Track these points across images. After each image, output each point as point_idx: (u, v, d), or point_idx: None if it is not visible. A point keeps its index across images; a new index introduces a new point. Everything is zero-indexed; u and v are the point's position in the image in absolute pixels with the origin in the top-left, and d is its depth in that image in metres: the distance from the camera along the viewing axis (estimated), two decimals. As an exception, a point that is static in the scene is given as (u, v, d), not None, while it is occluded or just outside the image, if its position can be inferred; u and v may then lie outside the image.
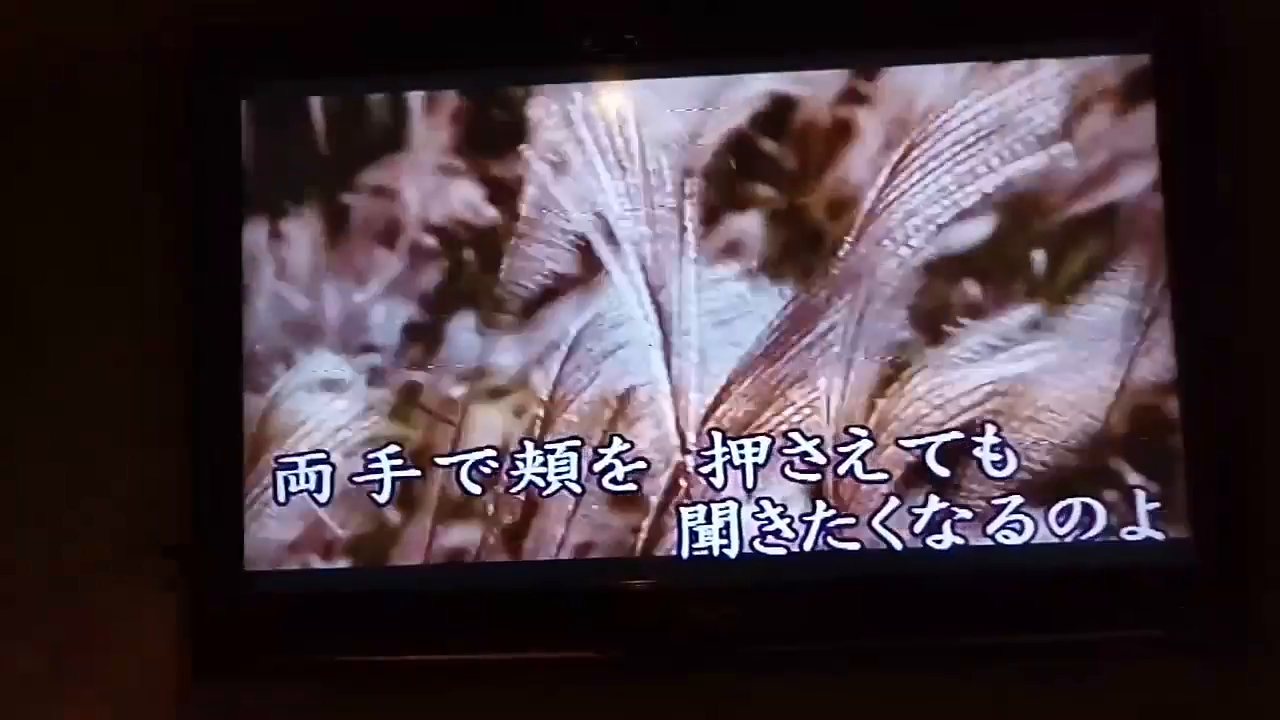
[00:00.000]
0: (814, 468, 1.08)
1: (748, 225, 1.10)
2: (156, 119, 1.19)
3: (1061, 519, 1.08)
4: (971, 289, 1.09)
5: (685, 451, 1.09)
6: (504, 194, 1.10)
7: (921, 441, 1.08)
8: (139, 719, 1.15)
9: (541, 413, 1.09)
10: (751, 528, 1.08)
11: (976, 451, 1.08)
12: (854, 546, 1.08)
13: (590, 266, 1.10)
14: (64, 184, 1.21)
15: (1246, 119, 1.13)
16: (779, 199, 1.10)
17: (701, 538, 1.08)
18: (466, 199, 1.11)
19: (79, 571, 1.16)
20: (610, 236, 1.10)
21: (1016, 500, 1.08)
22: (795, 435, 1.08)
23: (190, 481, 1.10)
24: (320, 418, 1.10)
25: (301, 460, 1.09)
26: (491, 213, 1.10)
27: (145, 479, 1.15)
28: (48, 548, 1.16)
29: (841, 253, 1.09)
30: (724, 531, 1.08)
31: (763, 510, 1.08)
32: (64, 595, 1.16)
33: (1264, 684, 1.11)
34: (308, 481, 1.09)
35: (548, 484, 1.09)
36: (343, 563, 1.09)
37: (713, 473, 1.09)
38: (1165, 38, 1.12)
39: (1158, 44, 1.12)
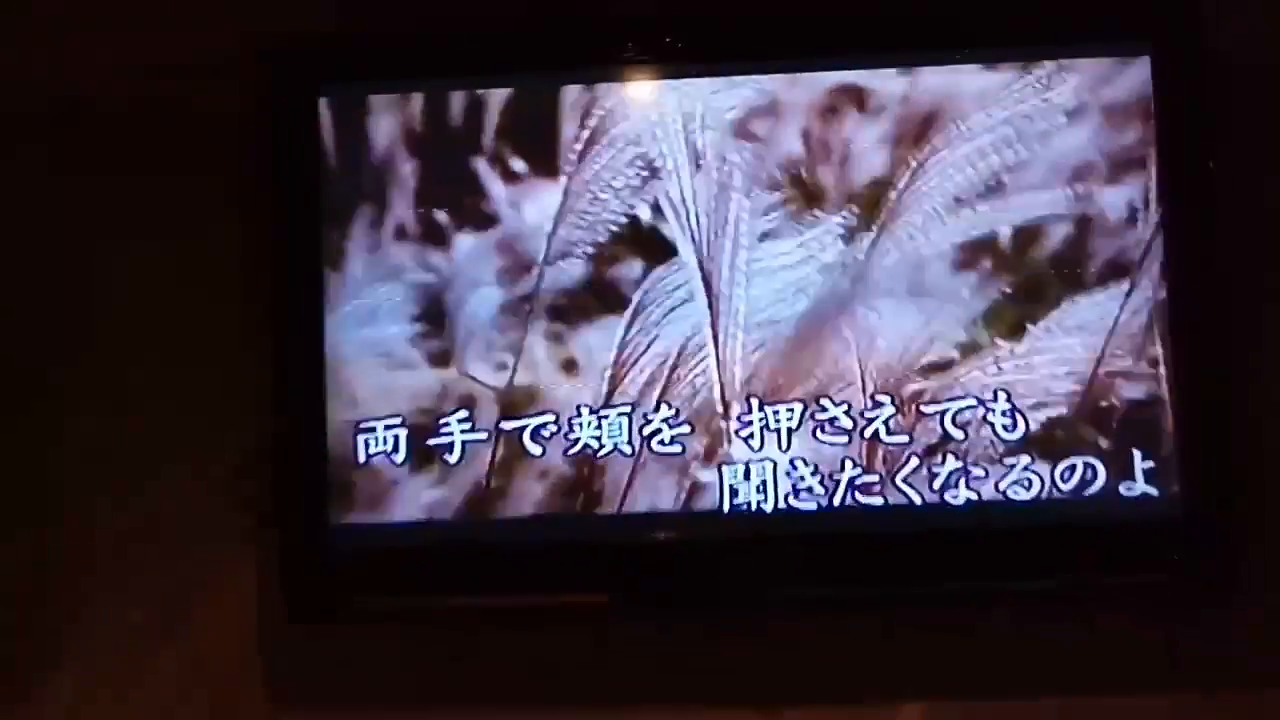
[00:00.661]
0: (843, 431, 1.20)
1: (788, 213, 1.21)
2: (221, 123, 1.29)
3: (1065, 475, 1.20)
4: (982, 275, 1.20)
5: (726, 416, 1.20)
6: (558, 186, 1.22)
7: (940, 408, 1.20)
8: (235, 662, 1.27)
9: (594, 381, 1.21)
10: (785, 485, 1.20)
11: (989, 416, 1.20)
12: (878, 502, 1.20)
13: (643, 251, 1.21)
14: (139, 186, 1.31)
15: (1246, 120, 1.24)
16: (815, 189, 1.21)
17: (740, 494, 1.20)
18: (520, 190, 1.22)
19: (176, 535, 1.27)
20: (664, 222, 1.21)
21: (1025, 459, 1.20)
22: (825, 401, 1.20)
23: (281, 451, 1.21)
24: (398, 388, 1.21)
25: (380, 425, 1.21)
26: (549, 201, 1.22)
27: (234, 452, 1.27)
28: (148, 516, 1.27)
29: (867, 241, 1.21)
30: (760, 488, 1.20)
31: (796, 469, 1.20)
32: (163, 557, 1.27)
33: (1245, 626, 1.23)
34: (385, 444, 1.21)
35: (602, 445, 1.20)
36: (417, 517, 1.21)
37: (750, 435, 1.21)
38: (1165, 39, 1.21)
39: (1157, 45, 1.21)
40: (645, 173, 1.21)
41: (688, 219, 1.21)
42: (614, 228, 1.21)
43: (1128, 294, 1.19)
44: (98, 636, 1.28)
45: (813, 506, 1.19)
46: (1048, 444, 1.19)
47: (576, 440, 1.20)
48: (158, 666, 1.28)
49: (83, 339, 1.30)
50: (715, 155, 1.21)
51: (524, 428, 1.20)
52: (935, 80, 1.21)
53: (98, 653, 1.28)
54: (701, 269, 1.21)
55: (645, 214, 1.21)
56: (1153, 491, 1.19)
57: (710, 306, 1.20)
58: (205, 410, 1.28)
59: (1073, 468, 1.19)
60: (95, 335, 1.30)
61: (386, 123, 1.22)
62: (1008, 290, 1.20)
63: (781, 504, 1.20)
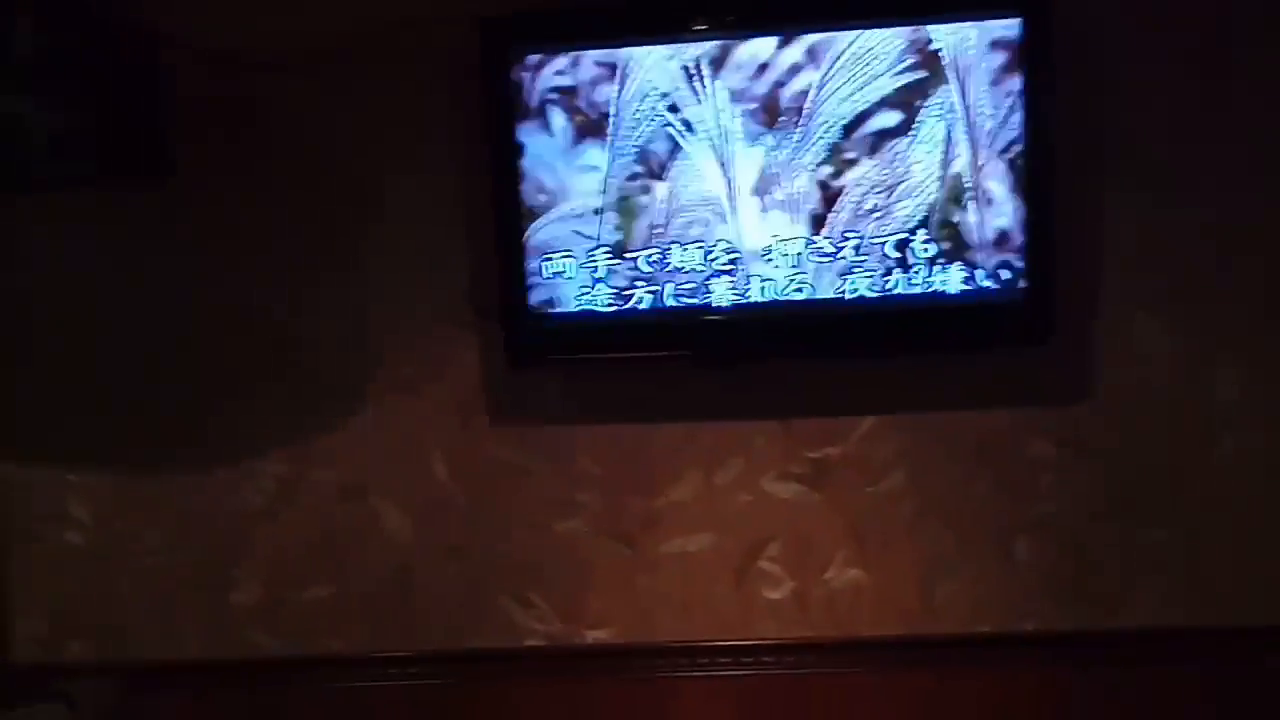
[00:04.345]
0: (826, 254, 2.04)
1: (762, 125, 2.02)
2: (446, 71, 2.12)
3: (962, 276, 2.03)
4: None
5: (751, 248, 2.05)
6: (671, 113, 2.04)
7: (885, 238, 2.03)
8: (470, 396, 2.17)
9: (678, 228, 2.05)
10: (791, 285, 2.05)
11: (913, 243, 2.03)
12: (848, 296, 2.04)
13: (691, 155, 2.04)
14: (397, 107, 2.15)
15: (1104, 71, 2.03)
16: (775, 101, 2.01)
17: (766, 292, 2.05)
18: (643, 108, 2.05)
19: (433, 320, 2.17)
20: (696, 132, 2.03)
21: (939, 266, 2.03)
22: (815, 238, 2.04)
23: (501, 268, 2.08)
24: (565, 234, 2.06)
25: (556, 255, 2.07)
26: (661, 121, 2.04)
27: (469, 269, 2.15)
28: (419, 311, 2.17)
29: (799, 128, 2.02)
30: (773, 288, 2.05)
31: (797, 277, 2.05)
32: (428, 333, 2.17)
33: (1062, 369, 2.09)
34: (559, 267, 2.07)
35: (684, 266, 2.06)
36: (576, 308, 2.07)
37: (770, 259, 2.05)
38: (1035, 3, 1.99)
39: (1028, 8, 1.99)
40: (700, 104, 2.03)
41: (711, 134, 2.04)
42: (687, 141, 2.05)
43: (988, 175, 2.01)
44: (389, 380, 2.19)
45: (806, 297, 2.05)
46: (946, 258, 2.03)
47: (668, 264, 2.06)
48: (423, 398, 2.19)
49: (374, 206, 2.17)
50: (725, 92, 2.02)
51: (638, 256, 2.05)
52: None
53: (388, 394, 2.19)
54: (721, 166, 2.04)
55: (699, 132, 2.03)
56: (1008, 284, 2.02)
57: (729, 187, 2.04)
58: (451, 250, 2.16)
59: (966, 269, 2.02)
60: (384, 204, 2.17)
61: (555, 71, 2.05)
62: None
63: (786, 297, 2.05)
